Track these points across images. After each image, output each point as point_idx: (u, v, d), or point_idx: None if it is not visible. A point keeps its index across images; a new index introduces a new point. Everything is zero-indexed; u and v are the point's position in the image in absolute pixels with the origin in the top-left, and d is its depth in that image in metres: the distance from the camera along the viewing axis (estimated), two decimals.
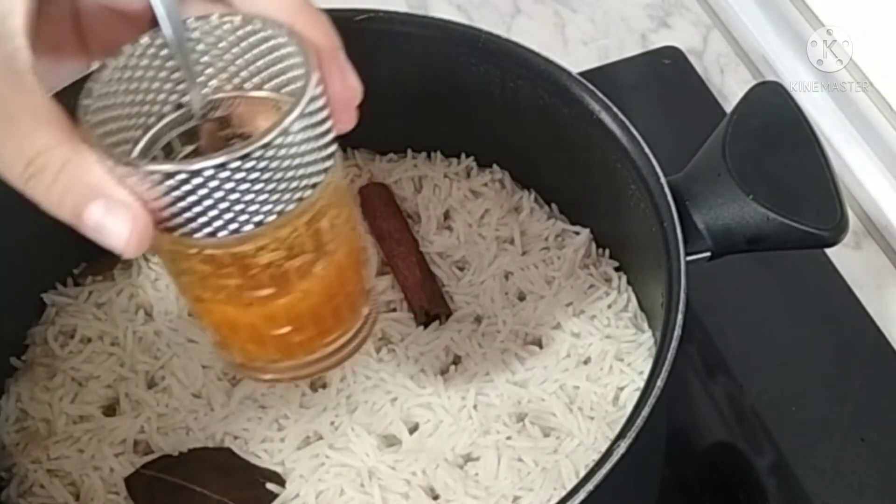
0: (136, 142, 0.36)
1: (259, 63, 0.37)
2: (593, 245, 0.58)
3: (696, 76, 0.76)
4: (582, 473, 0.45)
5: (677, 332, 0.44)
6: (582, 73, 0.53)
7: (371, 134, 0.62)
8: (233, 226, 0.34)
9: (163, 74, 0.36)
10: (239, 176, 0.32)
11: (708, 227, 0.49)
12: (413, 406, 0.52)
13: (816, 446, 0.58)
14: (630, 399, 0.51)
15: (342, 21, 0.56)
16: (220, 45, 0.37)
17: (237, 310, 0.38)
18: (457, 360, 0.54)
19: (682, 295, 0.45)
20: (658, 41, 0.79)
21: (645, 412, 0.41)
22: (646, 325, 0.54)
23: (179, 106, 0.37)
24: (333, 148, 0.36)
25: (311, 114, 0.34)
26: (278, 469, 0.51)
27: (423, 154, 0.62)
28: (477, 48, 0.55)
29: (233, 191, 0.33)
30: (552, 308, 0.55)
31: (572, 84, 0.53)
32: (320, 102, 0.35)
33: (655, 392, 0.42)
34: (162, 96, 0.37)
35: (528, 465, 0.50)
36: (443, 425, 0.51)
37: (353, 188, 0.60)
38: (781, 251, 0.50)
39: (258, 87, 0.37)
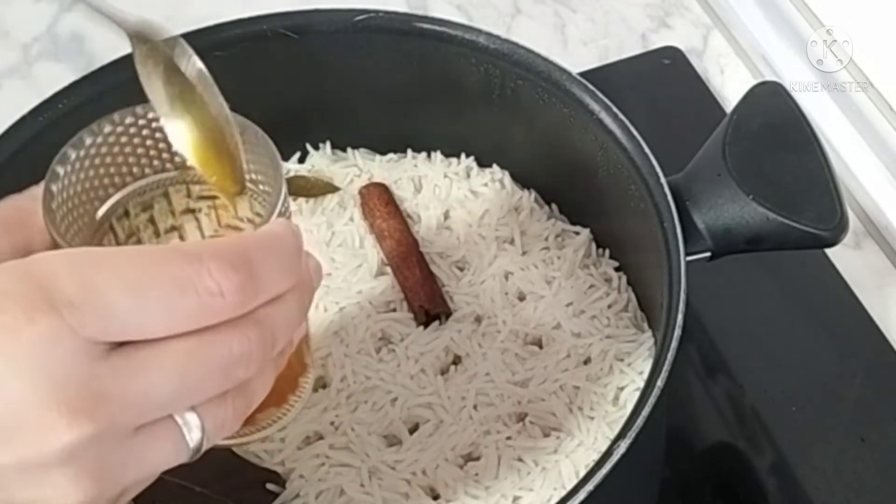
0: (95, 212, 0.37)
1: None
2: (593, 245, 0.58)
3: (696, 76, 0.76)
4: (582, 473, 0.45)
5: (677, 332, 0.44)
6: (582, 73, 0.53)
7: (371, 134, 0.62)
8: None
9: (128, 150, 0.37)
10: None
11: (708, 227, 0.49)
12: (413, 406, 0.52)
13: (816, 446, 0.58)
14: (630, 399, 0.51)
15: (342, 21, 0.57)
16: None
17: None
18: (457, 360, 0.54)
19: (682, 295, 0.45)
20: (658, 41, 0.79)
21: (645, 412, 0.41)
22: (646, 325, 0.54)
23: (141, 177, 0.38)
24: None
25: (285, 212, 0.35)
26: (278, 469, 0.51)
27: (423, 154, 0.62)
28: (477, 48, 0.55)
29: None
30: (552, 308, 0.55)
31: (572, 84, 0.53)
32: (289, 198, 0.35)
33: (655, 392, 0.42)
34: (125, 169, 0.37)
35: (528, 465, 0.50)
36: (443, 425, 0.51)
37: (353, 188, 0.60)
38: (781, 251, 0.50)
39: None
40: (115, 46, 0.58)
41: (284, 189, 0.35)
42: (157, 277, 0.29)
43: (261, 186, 0.38)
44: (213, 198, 0.39)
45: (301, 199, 0.60)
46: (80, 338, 0.28)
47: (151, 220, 0.38)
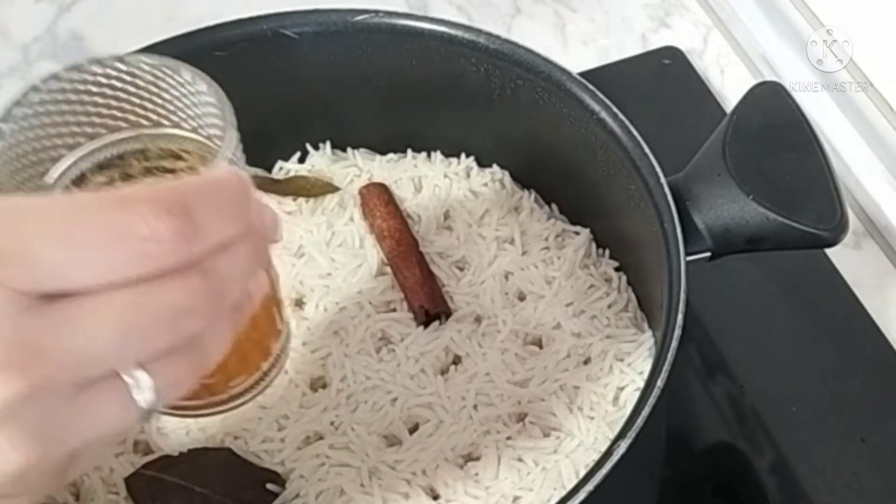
0: (45, 173, 0.36)
1: (178, 103, 0.36)
2: (593, 245, 0.58)
3: (696, 76, 0.76)
4: (582, 473, 0.45)
5: (677, 332, 0.44)
6: (582, 73, 0.53)
7: (371, 134, 0.62)
8: None
9: (78, 108, 0.36)
10: None
11: (708, 227, 0.49)
12: (413, 406, 0.52)
13: (816, 446, 0.58)
14: (630, 399, 0.51)
15: (342, 21, 0.57)
16: (140, 84, 0.36)
17: None
18: (457, 360, 0.54)
19: (682, 295, 0.45)
20: (658, 41, 0.79)
21: (645, 412, 0.41)
22: (646, 325, 0.54)
23: (94, 137, 0.36)
24: None
25: (235, 161, 0.34)
26: (278, 469, 0.51)
27: (423, 154, 0.62)
28: (477, 48, 0.55)
29: None
30: (552, 308, 0.55)
31: (572, 84, 0.53)
32: (240, 147, 0.34)
33: (655, 392, 0.42)
34: (76, 128, 0.36)
35: (528, 465, 0.50)
36: (443, 425, 0.51)
37: (353, 188, 0.60)
38: (781, 251, 0.50)
39: (177, 126, 0.37)
40: (114, 46, 0.58)
41: (233, 137, 0.33)
42: (87, 225, 0.28)
43: (216, 142, 0.36)
44: (175, 157, 0.37)
45: (301, 199, 0.60)
46: (9, 291, 0.27)
47: (110, 183, 0.37)
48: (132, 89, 0.36)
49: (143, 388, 0.30)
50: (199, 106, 0.36)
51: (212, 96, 0.35)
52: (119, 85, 0.36)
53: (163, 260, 0.29)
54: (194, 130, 0.36)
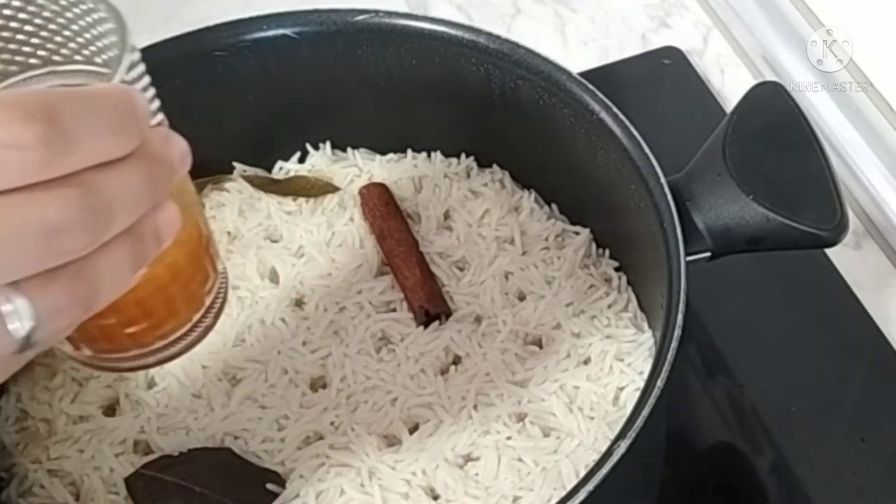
0: None
1: (67, 33, 0.34)
2: (593, 245, 0.58)
3: (696, 76, 0.76)
4: (582, 473, 0.45)
5: (677, 332, 0.44)
6: (582, 73, 0.53)
7: (371, 134, 0.62)
8: None
9: None
10: None
11: (708, 227, 0.49)
12: (413, 406, 0.52)
13: (816, 446, 0.58)
14: (630, 399, 0.51)
15: (342, 21, 0.57)
16: (46, 16, 0.34)
17: None
18: (457, 360, 0.54)
19: (682, 295, 0.45)
20: (658, 41, 0.79)
21: (645, 412, 0.41)
22: (646, 325, 0.54)
23: (5, 75, 0.34)
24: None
25: (131, 83, 0.32)
26: (278, 469, 0.51)
27: (423, 154, 0.62)
28: (477, 48, 0.55)
29: None
30: (552, 308, 0.55)
31: (572, 84, 0.53)
32: (139, 70, 0.32)
33: (655, 392, 0.42)
34: None
35: (528, 465, 0.50)
36: (443, 425, 0.51)
37: (353, 188, 0.60)
38: (781, 251, 0.50)
39: (69, 60, 0.35)
40: None
41: (128, 60, 0.31)
42: None
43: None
44: None
45: (301, 199, 0.60)
46: None
47: None
48: (39, 22, 0.34)
49: (23, 315, 0.28)
50: (105, 36, 0.34)
51: (112, 21, 0.33)
52: (24, 18, 0.34)
53: (30, 169, 0.27)
54: (106, 64, 0.34)
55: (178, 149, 0.32)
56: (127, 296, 0.33)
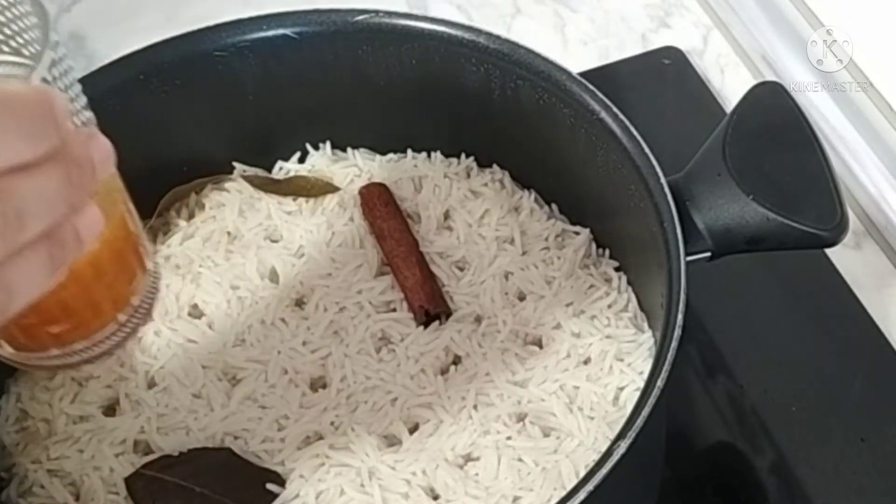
0: None
1: (14, 27, 0.34)
2: (593, 245, 0.58)
3: (696, 76, 0.76)
4: (582, 473, 0.45)
5: (677, 332, 0.44)
6: (582, 73, 0.53)
7: (371, 134, 0.62)
8: None
9: None
10: None
11: (708, 228, 0.49)
12: (413, 406, 0.52)
13: (816, 446, 0.58)
14: (630, 399, 0.51)
15: (342, 21, 0.57)
16: None
17: None
18: (457, 360, 0.54)
19: (682, 295, 0.45)
20: (658, 41, 0.79)
21: (645, 412, 0.41)
22: (646, 325, 0.54)
23: None
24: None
25: (52, 81, 0.31)
26: (278, 469, 0.51)
27: (423, 154, 0.62)
28: (477, 48, 0.55)
29: None
30: (552, 308, 0.55)
31: (572, 84, 0.53)
32: (63, 66, 0.32)
33: (655, 392, 0.42)
34: None
35: (528, 465, 0.50)
36: (443, 425, 0.51)
37: (353, 188, 0.60)
38: (781, 251, 0.50)
39: (16, 52, 0.34)
40: (115, 46, 0.58)
41: (48, 56, 0.31)
42: None
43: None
44: None
45: (301, 199, 0.60)
46: None
47: None
48: None
49: None
50: (30, 30, 0.33)
51: (35, 16, 0.32)
52: None
53: None
54: (33, 57, 0.33)
55: (101, 150, 0.31)
56: (48, 296, 0.32)
